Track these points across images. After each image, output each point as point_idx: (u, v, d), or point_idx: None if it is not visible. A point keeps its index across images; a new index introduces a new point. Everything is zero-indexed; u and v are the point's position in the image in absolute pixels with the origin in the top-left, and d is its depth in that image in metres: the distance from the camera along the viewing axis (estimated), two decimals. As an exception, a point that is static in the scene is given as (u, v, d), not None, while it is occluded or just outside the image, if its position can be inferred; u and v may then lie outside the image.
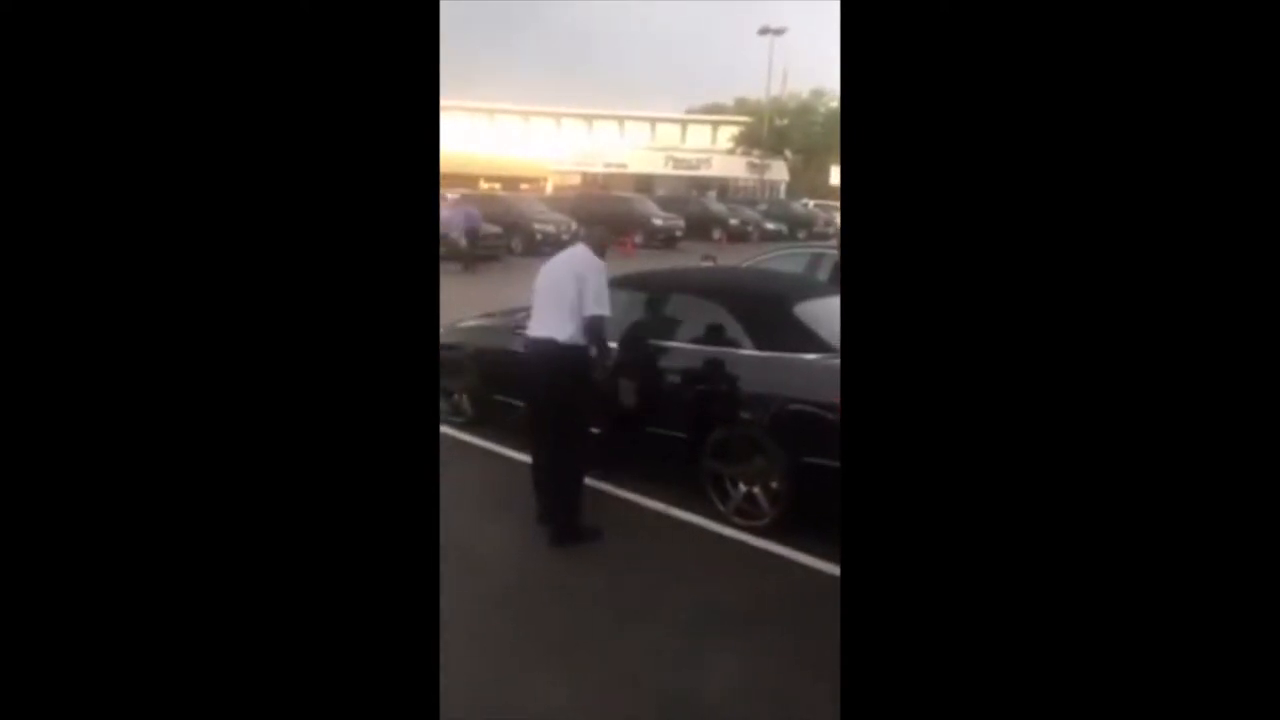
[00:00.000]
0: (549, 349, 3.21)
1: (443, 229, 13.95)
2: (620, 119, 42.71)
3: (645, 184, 33.95)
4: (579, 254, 3.36)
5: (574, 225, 10.11)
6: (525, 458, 3.53)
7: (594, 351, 3.30)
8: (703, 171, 39.77)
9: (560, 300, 3.20)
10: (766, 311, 3.76)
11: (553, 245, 3.62)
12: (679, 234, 19.07)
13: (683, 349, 3.75)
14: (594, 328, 3.24)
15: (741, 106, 43.05)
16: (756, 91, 37.51)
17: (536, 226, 15.53)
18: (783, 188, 39.20)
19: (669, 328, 3.87)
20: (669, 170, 39.30)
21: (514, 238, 15.06)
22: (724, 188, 37.16)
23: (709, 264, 7.43)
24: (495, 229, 14.83)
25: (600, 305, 3.22)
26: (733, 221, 22.10)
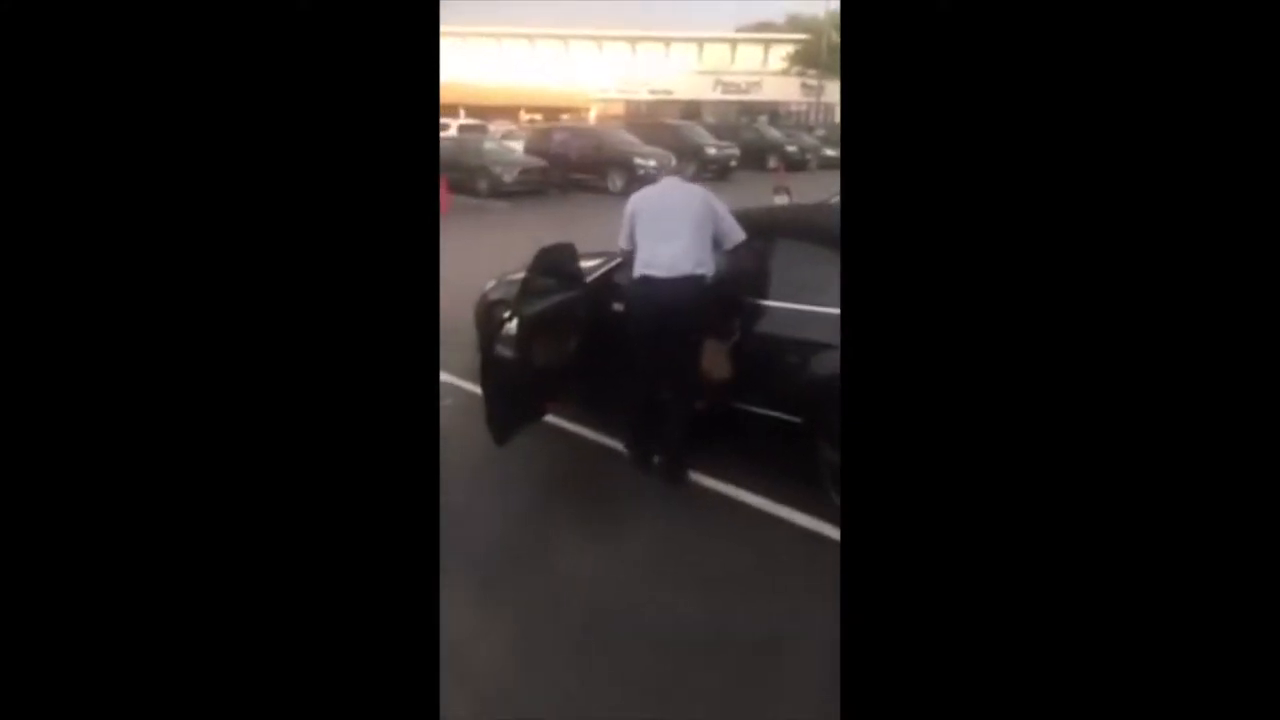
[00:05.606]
0: (695, 286, 3.04)
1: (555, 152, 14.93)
2: (666, 40, 40.74)
3: (693, 110, 32.46)
4: (693, 187, 3.27)
5: (673, 160, 9.35)
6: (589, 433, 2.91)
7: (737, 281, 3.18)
8: (753, 95, 37.93)
9: (704, 237, 3.08)
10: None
11: (648, 183, 3.22)
12: (733, 164, 17.88)
13: (788, 310, 3.03)
14: (740, 256, 3.17)
15: (795, 24, 40.70)
16: (812, 6, 35.38)
17: (637, 161, 14.30)
18: (838, 110, 37.29)
19: (768, 282, 3.14)
20: (718, 95, 37.56)
21: (611, 174, 14.45)
22: (775, 112, 35.39)
23: (784, 199, 6.49)
24: (540, 162, 14.04)
25: (739, 232, 3.16)
26: (790, 148, 20.82)
